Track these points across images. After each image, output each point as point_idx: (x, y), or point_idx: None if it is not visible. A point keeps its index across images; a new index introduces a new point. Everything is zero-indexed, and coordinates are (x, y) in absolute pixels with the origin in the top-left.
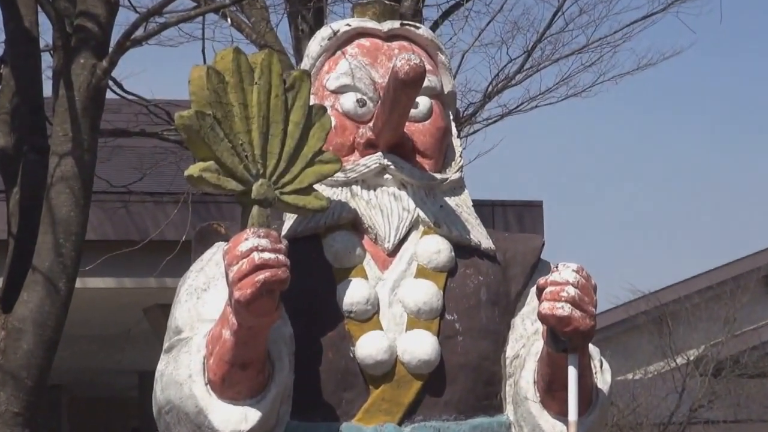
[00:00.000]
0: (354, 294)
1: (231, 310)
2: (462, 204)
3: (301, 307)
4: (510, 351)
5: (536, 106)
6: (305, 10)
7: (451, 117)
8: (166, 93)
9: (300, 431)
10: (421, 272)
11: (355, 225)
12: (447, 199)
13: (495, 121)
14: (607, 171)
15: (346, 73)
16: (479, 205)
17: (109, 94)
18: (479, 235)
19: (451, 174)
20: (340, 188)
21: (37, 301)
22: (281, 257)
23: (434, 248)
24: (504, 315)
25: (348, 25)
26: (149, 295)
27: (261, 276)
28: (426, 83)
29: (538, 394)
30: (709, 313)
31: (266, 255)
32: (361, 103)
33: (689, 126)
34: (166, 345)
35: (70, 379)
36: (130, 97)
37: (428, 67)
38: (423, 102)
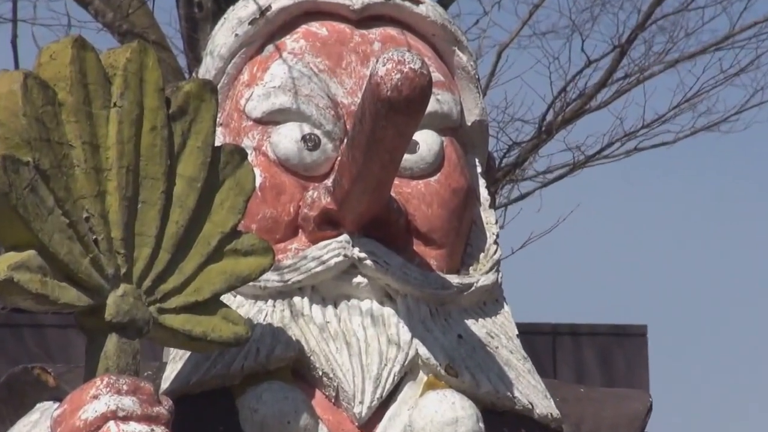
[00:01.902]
0: None
1: None
2: (499, 331)
3: None
4: None
5: (636, 149)
6: None
7: (479, 168)
8: None
9: None
10: None
11: (298, 371)
12: (470, 322)
13: (561, 177)
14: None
15: (283, 88)
16: (535, 333)
17: None
18: (531, 391)
19: (479, 275)
20: (271, 302)
21: None
22: (160, 431)
23: (447, 415)
24: None
25: None
26: None
27: None
28: (433, 106)
29: None
30: None
31: (132, 428)
32: (312, 142)
33: None
34: None
35: None
36: None
37: (436, 75)
38: (427, 141)
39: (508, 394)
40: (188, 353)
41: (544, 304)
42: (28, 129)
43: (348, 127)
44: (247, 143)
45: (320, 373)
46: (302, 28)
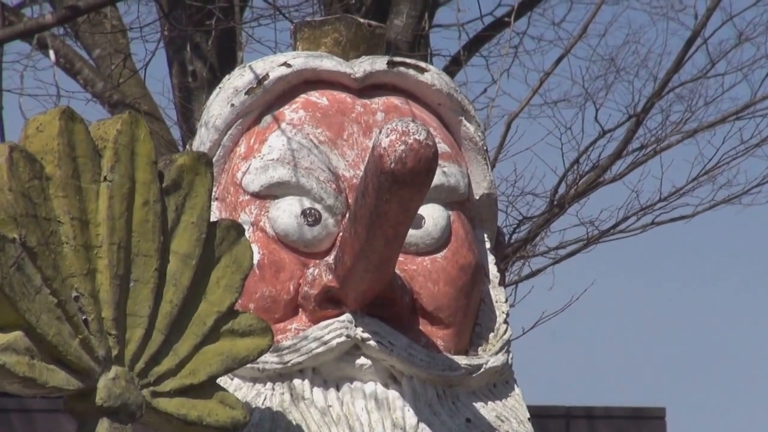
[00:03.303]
0: None
1: None
2: (509, 414)
3: None
4: None
5: (653, 223)
6: (200, 33)
7: (488, 244)
8: None
9: None
10: None
11: None
12: (479, 405)
13: (574, 253)
14: None
15: (281, 160)
16: (547, 416)
17: None
18: None
19: (488, 356)
20: (270, 384)
21: None
22: None
23: None
24: None
25: (286, 65)
26: None
27: None
28: (439, 179)
29: None
30: None
31: None
32: (312, 217)
33: None
34: None
35: None
36: None
37: (443, 147)
38: (433, 215)
39: None
40: None
41: (557, 386)
42: (14, 204)
43: (350, 201)
44: (244, 218)
45: None
46: (301, 98)
